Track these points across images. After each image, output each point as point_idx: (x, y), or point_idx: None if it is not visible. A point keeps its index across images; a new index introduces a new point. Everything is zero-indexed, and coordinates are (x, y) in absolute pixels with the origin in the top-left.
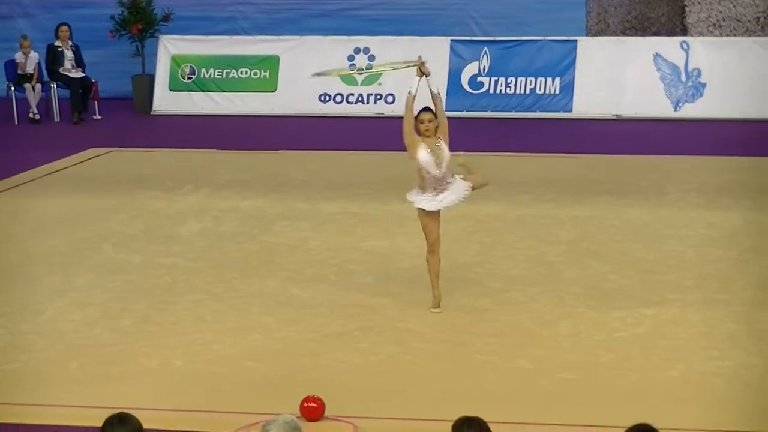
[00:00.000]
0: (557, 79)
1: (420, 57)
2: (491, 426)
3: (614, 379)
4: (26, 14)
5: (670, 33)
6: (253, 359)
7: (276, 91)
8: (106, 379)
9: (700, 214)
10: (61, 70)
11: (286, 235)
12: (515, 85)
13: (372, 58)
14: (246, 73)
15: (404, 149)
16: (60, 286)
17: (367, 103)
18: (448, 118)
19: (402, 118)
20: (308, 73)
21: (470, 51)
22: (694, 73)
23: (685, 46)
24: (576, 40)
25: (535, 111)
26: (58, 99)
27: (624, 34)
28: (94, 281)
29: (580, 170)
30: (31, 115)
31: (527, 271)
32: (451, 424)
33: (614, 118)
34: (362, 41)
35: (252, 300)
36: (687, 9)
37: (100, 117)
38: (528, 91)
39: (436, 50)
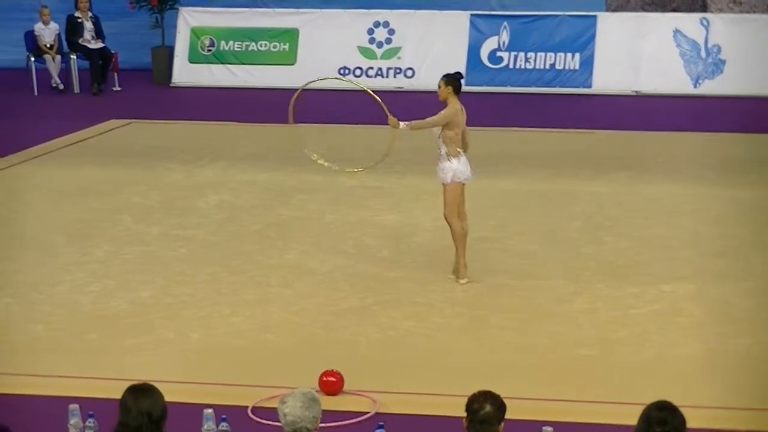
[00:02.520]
0: (577, 55)
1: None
2: (507, 401)
3: (630, 355)
4: None
5: (690, 9)
6: (271, 332)
7: (295, 64)
8: (124, 350)
9: (717, 190)
10: (80, 41)
11: (304, 209)
12: (535, 60)
13: (392, 32)
14: (265, 45)
15: None
16: (78, 257)
17: (387, 76)
18: (468, 93)
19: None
20: (327, 46)
21: (490, 25)
22: (714, 50)
23: (705, 22)
24: (596, 16)
25: (554, 86)
26: (78, 70)
27: (644, 9)
28: (112, 252)
29: (599, 146)
30: (54, 84)
31: (544, 246)
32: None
33: (633, 94)
34: (381, 14)
35: (269, 273)
36: None
37: (119, 88)
38: (547, 66)
39: (456, 24)
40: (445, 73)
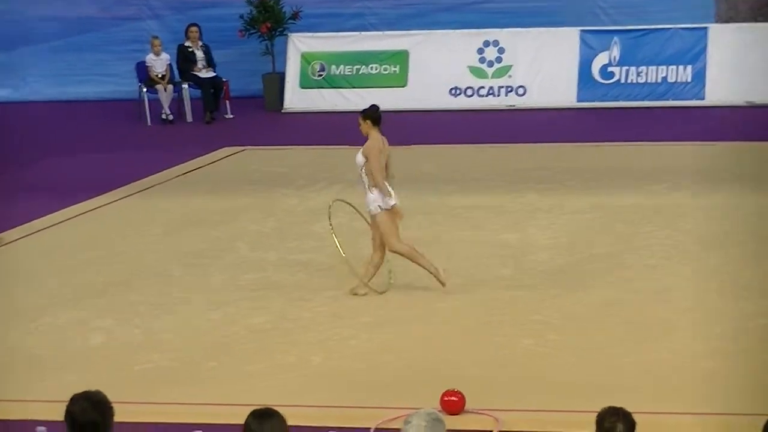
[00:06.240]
0: (689, 67)
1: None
2: (633, 416)
3: (753, 365)
4: (155, 16)
5: None
6: (391, 353)
7: (406, 86)
8: (244, 376)
9: None
10: (192, 70)
11: (421, 230)
12: (646, 74)
13: (502, 50)
14: (376, 68)
15: (534, 141)
16: (196, 285)
17: (498, 95)
18: (581, 108)
19: None
20: (438, 67)
21: (600, 41)
22: None
23: None
24: (707, 27)
25: (667, 99)
26: (190, 99)
27: (754, 20)
28: (230, 280)
29: (715, 158)
30: (163, 116)
31: (663, 260)
32: (591, 414)
33: (746, 104)
34: (491, 34)
35: (387, 294)
36: None
37: (231, 116)
38: (659, 80)
39: (566, 41)
40: (557, 87)
